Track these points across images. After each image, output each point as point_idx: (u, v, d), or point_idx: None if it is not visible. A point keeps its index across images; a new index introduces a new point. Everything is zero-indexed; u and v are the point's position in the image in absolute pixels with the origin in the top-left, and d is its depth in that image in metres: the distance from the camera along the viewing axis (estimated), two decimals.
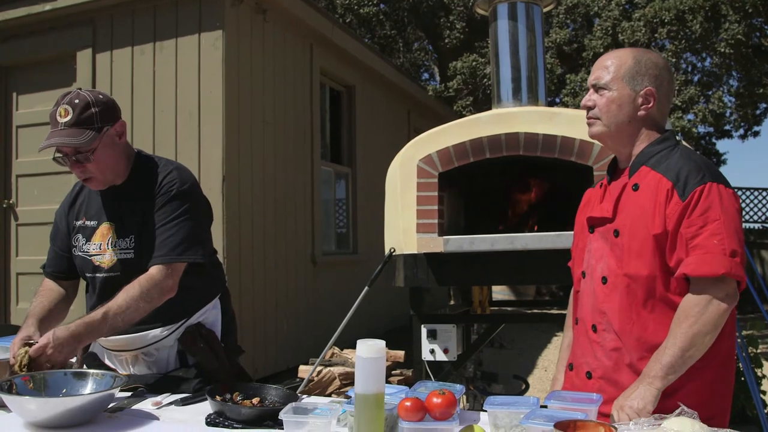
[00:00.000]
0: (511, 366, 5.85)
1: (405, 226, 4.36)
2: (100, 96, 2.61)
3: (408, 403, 1.86)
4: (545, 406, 2.00)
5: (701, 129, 15.74)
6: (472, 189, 4.90)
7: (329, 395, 4.63)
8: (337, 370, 4.70)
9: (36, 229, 7.10)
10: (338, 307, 8.29)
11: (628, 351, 2.23)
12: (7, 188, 7.61)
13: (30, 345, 2.39)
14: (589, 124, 2.37)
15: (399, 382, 5.03)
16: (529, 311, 6.50)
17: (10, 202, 7.56)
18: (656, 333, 2.17)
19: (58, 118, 2.52)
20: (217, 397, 2.20)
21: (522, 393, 5.68)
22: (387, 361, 5.00)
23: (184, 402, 2.37)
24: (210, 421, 2.12)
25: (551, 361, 8.07)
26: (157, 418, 2.19)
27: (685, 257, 2.11)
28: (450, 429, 1.84)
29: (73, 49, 7.21)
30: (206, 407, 2.25)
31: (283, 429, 1.95)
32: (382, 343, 1.88)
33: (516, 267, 4.05)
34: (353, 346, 4.92)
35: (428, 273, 4.31)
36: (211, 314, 2.78)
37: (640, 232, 2.20)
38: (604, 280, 2.29)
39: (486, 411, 2.00)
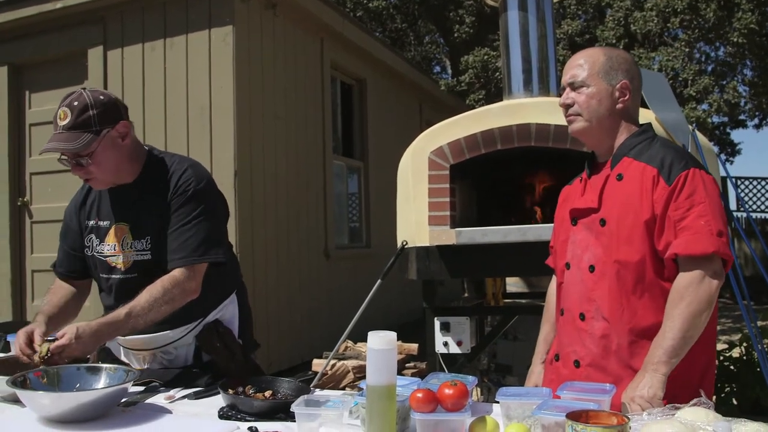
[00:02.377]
0: (525, 358, 5.80)
1: (417, 219, 4.35)
2: (101, 97, 2.55)
3: (419, 395, 1.85)
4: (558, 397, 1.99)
5: (715, 119, 15.64)
6: (484, 181, 4.88)
7: (343, 388, 4.64)
8: (350, 363, 4.71)
9: (50, 227, 7.12)
10: (351, 300, 8.29)
11: (617, 336, 2.27)
12: (21, 186, 7.66)
13: (51, 341, 2.39)
14: (570, 122, 2.42)
15: (413, 375, 5.03)
16: (543, 303, 6.45)
17: (24, 199, 7.61)
18: (645, 317, 2.23)
19: (58, 120, 2.51)
20: (229, 390, 2.20)
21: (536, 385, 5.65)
22: (400, 354, 5.01)
23: (196, 396, 2.37)
24: (222, 414, 2.12)
25: None
26: (170, 412, 2.19)
27: (673, 239, 2.17)
28: (462, 420, 1.83)
29: (84, 47, 7.23)
30: (219, 401, 2.26)
31: (295, 421, 1.95)
32: (393, 334, 1.88)
33: (529, 258, 4.02)
34: (367, 340, 4.92)
35: (441, 265, 4.31)
36: (228, 310, 2.77)
37: (629, 219, 2.24)
38: (592, 268, 2.33)
39: (498, 402, 2.00)
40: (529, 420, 1.90)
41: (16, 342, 2.43)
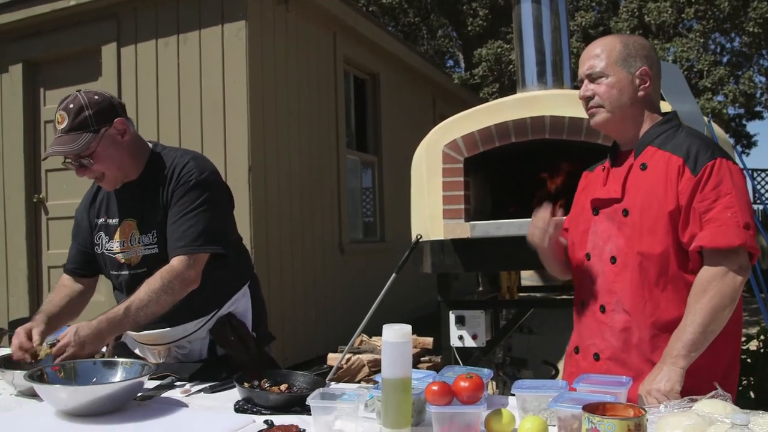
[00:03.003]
0: (540, 351, 5.81)
1: (431, 213, 4.34)
2: (96, 97, 2.56)
3: (435, 387, 1.85)
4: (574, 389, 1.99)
5: (731, 111, 15.55)
6: (498, 174, 4.87)
7: (358, 382, 4.63)
8: (366, 357, 4.71)
9: (66, 223, 7.14)
10: (366, 294, 8.29)
11: (638, 330, 2.23)
12: (37, 183, 7.70)
13: (51, 345, 2.40)
14: (592, 114, 2.37)
15: (428, 369, 5.03)
16: (558, 296, 6.43)
17: (40, 196, 7.65)
18: (668, 310, 2.19)
19: (56, 125, 2.53)
20: (245, 383, 2.21)
21: (552, 378, 5.65)
22: (416, 347, 5.00)
23: (212, 389, 2.38)
24: (238, 408, 2.13)
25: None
26: (186, 406, 2.19)
27: (698, 231, 2.12)
28: (477, 413, 1.82)
29: (97, 44, 7.26)
30: (234, 394, 2.26)
31: (311, 414, 1.95)
32: (407, 327, 1.88)
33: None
34: (382, 333, 4.91)
35: (455, 259, 4.30)
36: (241, 303, 2.77)
37: (653, 210, 2.20)
38: (614, 259, 2.29)
39: (514, 395, 1.99)
40: (545, 413, 1.90)
41: (14, 339, 2.43)
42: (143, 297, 2.46)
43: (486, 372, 2.14)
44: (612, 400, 1.75)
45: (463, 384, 1.87)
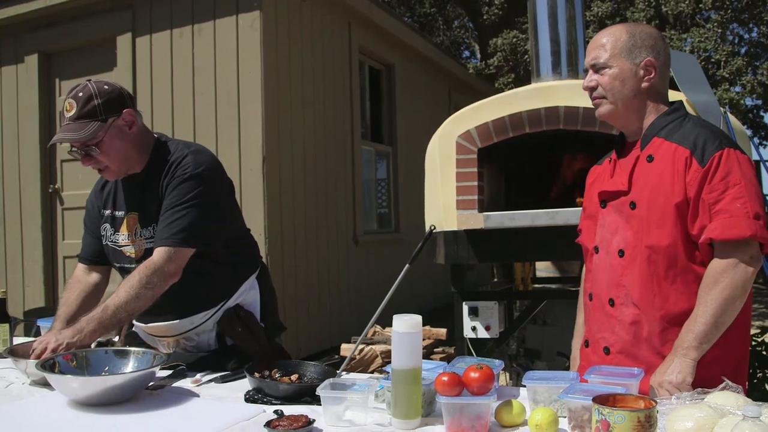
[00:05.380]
0: (554, 342, 5.78)
1: (445, 203, 4.33)
2: (105, 87, 2.57)
3: (445, 378, 1.84)
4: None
5: (749, 102, 15.43)
6: (512, 164, 4.85)
7: (371, 373, 4.64)
8: (378, 348, 4.72)
9: (81, 213, 7.12)
10: (380, 285, 8.28)
11: (648, 323, 2.21)
12: (53, 173, 7.74)
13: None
14: (596, 105, 2.35)
15: (441, 360, 5.03)
16: (572, 288, 6.40)
17: (56, 186, 7.69)
18: (677, 303, 2.17)
19: (64, 112, 2.53)
20: (255, 373, 2.21)
21: (566, 370, 5.62)
22: (429, 339, 5.00)
23: (223, 379, 2.39)
24: (249, 398, 2.13)
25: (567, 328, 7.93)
26: (197, 395, 2.20)
27: (708, 223, 2.10)
28: (487, 404, 1.82)
29: (113, 34, 7.27)
30: (245, 384, 2.27)
31: (321, 405, 1.96)
32: (417, 318, 1.88)
33: (557, 242, 3.99)
34: None
35: (469, 250, 4.29)
36: (249, 295, 2.77)
37: (660, 202, 2.18)
38: (621, 252, 2.27)
39: (525, 386, 1.99)
40: (555, 404, 1.89)
41: (36, 348, 2.39)
42: (121, 294, 2.44)
43: (497, 363, 2.14)
44: (622, 392, 1.74)
45: (474, 375, 1.86)
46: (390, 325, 4.91)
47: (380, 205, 9.78)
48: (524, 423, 1.85)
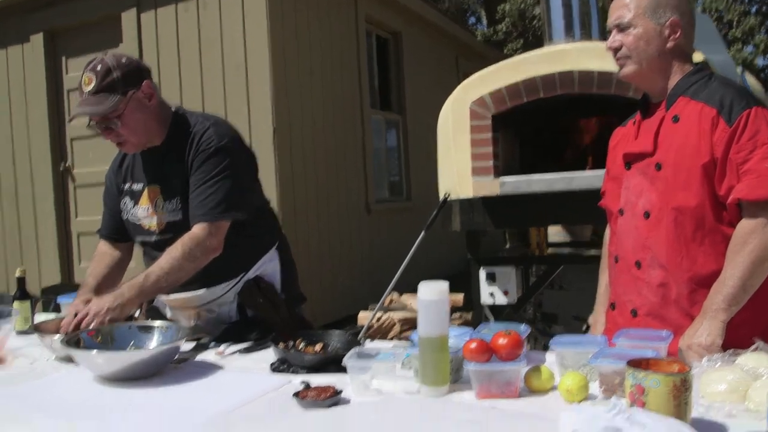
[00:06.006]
0: (570, 306, 5.78)
1: (459, 170, 4.30)
2: (123, 60, 2.54)
3: (473, 345, 1.83)
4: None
5: (761, 61, 15.26)
6: (527, 130, 4.80)
7: (390, 340, 4.64)
8: (396, 315, 4.71)
9: (93, 191, 7.19)
10: (394, 254, 8.27)
11: (676, 285, 2.18)
12: (63, 151, 7.73)
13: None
14: (620, 66, 2.30)
15: (460, 326, 5.02)
16: (586, 253, 6.36)
17: (67, 165, 7.68)
18: (706, 265, 2.14)
19: (83, 86, 2.50)
20: (280, 344, 2.20)
21: (584, 334, 5.61)
22: None
23: (247, 350, 2.38)
24: (275, 368, 2.12)
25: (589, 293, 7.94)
26: (221, 367, 2.19)
27: (736, 183, 2.06)
28: (517, 370, 1.80)
29: (117, 11, 7.23)
30: (269, 355, 2.26)
31: (347, 374, 1.95)
32: (444, 284, 1.86)
33: (574, 207, 3.97)
34: (412, 291, 4.91)
35: (485, 216, 4.26)
36: (269, 266, 2.75)
37: (686, 163, 2.14)
38: (647, 215, 2.23)
39: (552, 351, 1.97)
40: (584, 368, 1.87)
41: (66, 318, 2.40)
42: (164, 265, 2.45)
43: (523, 328, 2.11)
44: (654, 356, 1.72)
45: (502, 341, 1.84)
46: (407, 292, 4.91)
47: (391, 173, 9.74)
48: (553, 388, 1.83)
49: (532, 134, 4.84)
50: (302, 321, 2.77)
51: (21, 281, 2.83)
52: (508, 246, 8.16)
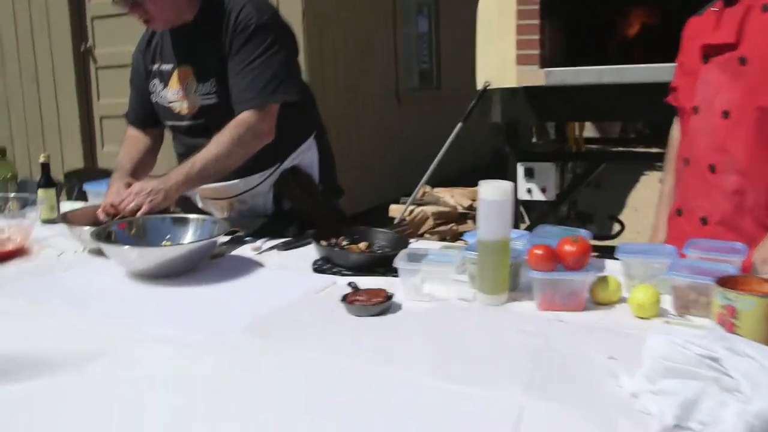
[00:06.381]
0: (605, 206, 5.64)
1: (502, 58, 4.07)
2: None
3: (539, 251, 1.67)
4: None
5: None
6: (575, 18, 4.53)
7: (422, 235, 4.53)
8: (429, 209, 4.58)
9: (115, 72, 7.00)
10: (423, 144, 8.11)
11: (753, 193, 1.97)
12: (83, 31, 7.47)
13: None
14: None
15: None
16: (624, 149, 6.19)
17: (88, 45, 7.44)
18: None
19: None
20: (322, 241, 2.06)
21: (617, 235, 5.50)
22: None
23: (285, 246, 2.24)
24: (317, 268, 1.99)
25: (640, 200, 7.83)
26: (260, 264, 2.06)
27: None
28: (584, 280, 1.66)
29: None
30: (308, 252, 2.13)
31: (395, 276, 1.82)
32: (508, 184, 1.70)
33: (625, 102, 3.76)
34: (443, 185, 4.74)
35: (527, 107, 4.06)
36: (306, 156, 2.58)
37: None
38: (726, 114, 2.00)
39: (618, 259, 1.81)
40: (652, 280, 1.72)
41: (105, 200, 2.28)
42: (212, 150, 2.28)
43: (584, 233, 1.96)
44: (732, 271, 1.56)
45: (569, 248, 1.69)
46: (440, 185, 4.75)
47: (422, 61, 9.41)
48: (620, 300, 1.69)
49: (580, 23, 4.56)
50: (341, 215, 2.63)
51: (45, 167, 2.67)
52: (535, 140, 7.97)
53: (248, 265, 2.05)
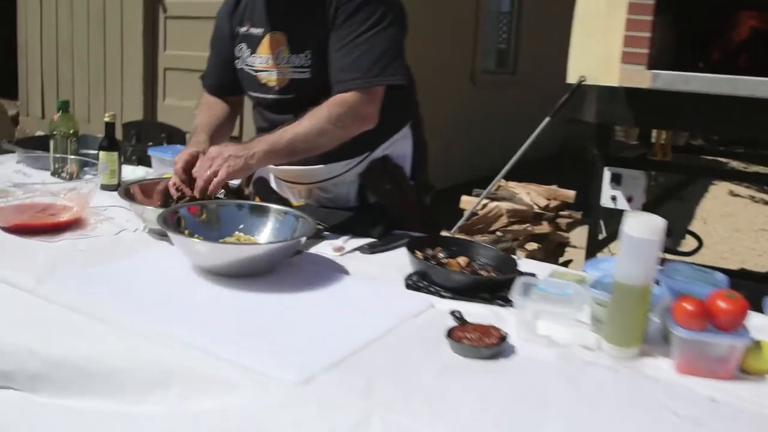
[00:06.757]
0: (683, 219, 5.32)
1: (605, 53, 3.73)
2: None
3: (689, 306, 1.39)
4: None
5: None
6: (688, 16, 4.16)
7: (493, 232, 4.25)
8: (504, 205, 4.29)
9: (185, 23, 6.75)
10: (495, 131, 7.79)
11: None
12: None
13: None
14: None
15: (568, 226, 4.60)
16: (724, 160, 5.85)
17: None
18: None
19: None
20: (417, 253, 1.80)
21: (695, 251, 5.17)
22: (555, 199, 4.56)
23: (371, 249, 1.98)
24: (411, 285, 1.72)
25: (708, 212, 7.46)
26: (344, 270, 1.80)
27: None
28: (739, 346, 1.38)
29: None
30: (396, 258, 1.89)
31: (500, 304, 1.60)
32: (660, 222, 1.42)
33: (740, 116, 3.43)
34: (516, 179, 4.39)
35: (627, 110, 3.73)
36: (399, 145, 2.30)
37: None
38: None
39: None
40: None
41: (176, 165, 2.02)
42: (306, 124, 1.99)
43: (720, 277, 1.67)
44: None
45: (724, 305, 1.40)
46: (514, 179, 4.45)
47: (499, 41, 8.98)
48: None
49: (692, 21, 4.19)
50: (431, 218, 2.35)
51: (110, 127, 2.43)
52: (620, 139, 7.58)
53: (331, 271, 1.79)
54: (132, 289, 1.58)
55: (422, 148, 2.38)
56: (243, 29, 2.27)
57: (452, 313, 1.54)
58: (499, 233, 4.19)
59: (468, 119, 7.70)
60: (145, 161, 2.94)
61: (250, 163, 1.94)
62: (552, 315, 1.51)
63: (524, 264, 1.92)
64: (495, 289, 1.66)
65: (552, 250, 4.58)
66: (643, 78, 3.59)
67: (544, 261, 4.51)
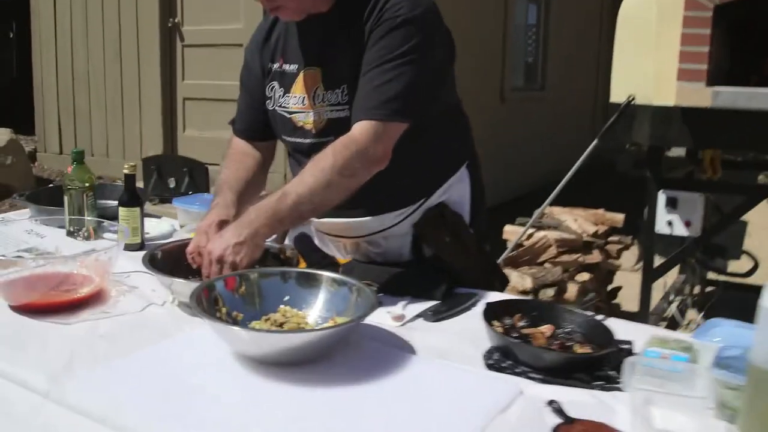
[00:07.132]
0: (738, 239, 4.99)
1: (658, 71, 3.46)
2: None
3: None
4: None
5: None
6: (742, 27, 3.88)
7: (541, 264, 3.97)
8: (552, 235, 4.02)
9: (204, 51, 6.55)
10: (526, 150, 7.52)
11: None
12: (172, 6, 7.04)
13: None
14: None
15: (618, 252, 4.34)
16: None
17: (175, 20, 7.01)
18: None
19: None
20: (495, 324, 1.53)
21: (750, 272, 4.86)
22: (603, 224, 4.30)
23: (435, 316, 1.72)
24: (492, 365, 1.45)
25: (757, 226, 7.11)
26: (409, 347, 1.53)
27: None
28: None
29: None
30: (465, 324, 1.65)
31: (602, 388, 1.35)
32: None
33: None
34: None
35: (684, 131, 3.45)
36: (456, 189, 2.04)
37: None
38: None
39: None
40: None
41: (196, 236, 1.79)
42: (308, 180, 1.74)
43: None
44: None
45: None
46: (558, 204, 4.17)
47: (527, 55, 8.68)
48: None
49: (747, 35, 3.91)
50: (496, 269, 2.08)
51: (130, 180, 2.16)
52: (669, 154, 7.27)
53: (394, 349, 1.52)
54: (160, 387, 1.32)
55: (481, 191, 2.13)
56: (275, 66, 2.02)
57: (551, 403, 1.27)
58: (548, 265, 3.91)
59: (497, 138, 7.43)
60: (167, 198, 2.68)
61: (258, 243, 1.71)
62: (669, 401, 1.24)
63: (613, 325, 1.64)
64: (594, 368, 1.39)
65: (602, 279, 4.31)
66: (702, 96, 3.31)
67: (596, 291, 4.28)
